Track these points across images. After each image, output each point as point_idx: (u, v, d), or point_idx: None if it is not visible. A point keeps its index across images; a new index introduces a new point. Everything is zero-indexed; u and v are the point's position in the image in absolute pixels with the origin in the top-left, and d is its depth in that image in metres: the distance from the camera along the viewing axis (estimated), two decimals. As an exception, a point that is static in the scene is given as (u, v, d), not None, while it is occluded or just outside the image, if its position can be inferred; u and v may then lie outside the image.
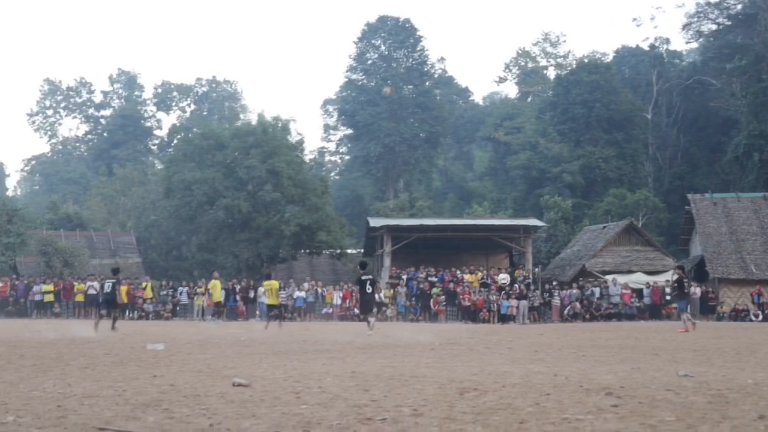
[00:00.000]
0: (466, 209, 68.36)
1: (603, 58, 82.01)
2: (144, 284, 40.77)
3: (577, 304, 39.39)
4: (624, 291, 40.14)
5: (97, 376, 8.93)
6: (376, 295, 26.77)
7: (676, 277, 26.38)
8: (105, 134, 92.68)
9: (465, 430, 5.12)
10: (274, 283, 27.47)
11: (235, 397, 6.89)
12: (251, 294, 40.39)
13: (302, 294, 40.50)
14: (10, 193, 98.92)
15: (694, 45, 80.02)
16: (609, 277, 41.59)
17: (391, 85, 74.52)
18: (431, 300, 39.36)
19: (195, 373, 9.38)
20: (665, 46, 79.04)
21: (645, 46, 78.79)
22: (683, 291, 25.40)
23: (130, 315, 39.39)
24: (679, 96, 72.55)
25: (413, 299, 39.88)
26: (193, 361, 11.28)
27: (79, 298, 39.54)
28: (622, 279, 41.25)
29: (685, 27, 73.70)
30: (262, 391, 7.31)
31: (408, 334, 20.62)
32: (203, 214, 48.44)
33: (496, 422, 5.42)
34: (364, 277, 23.25)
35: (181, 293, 40.76)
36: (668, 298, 39.99)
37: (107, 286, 23.93)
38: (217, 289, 31.71)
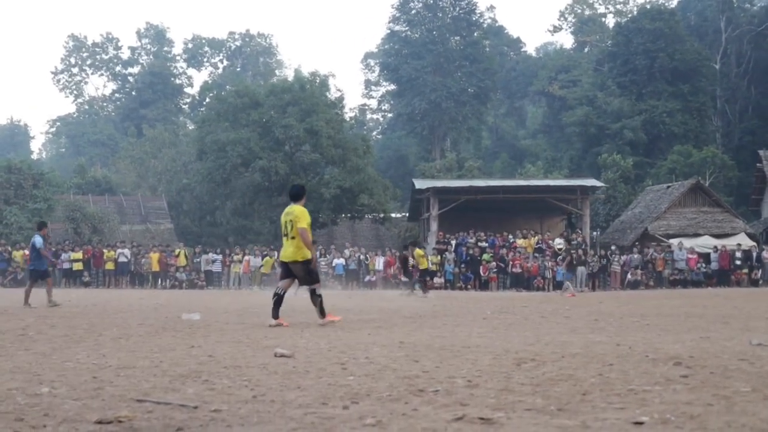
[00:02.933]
0: (518, 169, 68.10)
1: (667, 4, 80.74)
2: (177, 251, 41.24)
3: (639, 271, 39.15)
4: (690, 256, 39.78)
5: (132, 347, 9.06)
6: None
7: (563, 249, 29.26)
8: (133, 93, 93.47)
9: (524, 402, 5.12)
10: (421, 251, 31.23)
11: (277, 368, 6.96)
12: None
13: (342, 261, 40.64)
14: (35, 156, 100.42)
15: (767, -12, 78.39)
16: (674, 241, 41.26)
17: None
18: (481, 266, 39.35)
19: (234, 343, 9.49)
20: (735, -10, 77.48)
21: (713, -10, 77.31)
22: (572, 263, 31.84)
23: (163, 284, 39.92)
24: (749, 44, 71.21)
25: (462, 266, 39.88)
26: (232, 331, 11.41)
27: (110, 266, 40.09)
28: (687, 243, 40.89)
29: (757, -32, 72.27)
30: (305, 362, 7.37)
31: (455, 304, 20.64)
32: (238, 176, 48.80)
33: (558, 394, 5.42)
34: None
35: (214, 261, 41.06)
36: (738, 263, 39.61)
37: None
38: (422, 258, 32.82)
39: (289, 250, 12.65)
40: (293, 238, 12.56)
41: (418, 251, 31.35)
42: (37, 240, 20.01)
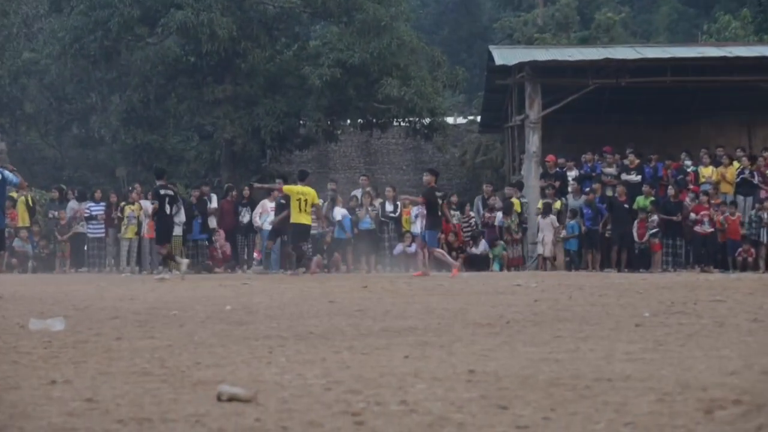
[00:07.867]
0: (701, 25, 67.74)
1: None
2: (15, 196, 41.04)
3: None
4: None
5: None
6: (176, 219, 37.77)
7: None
8: None
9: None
10: (310, 191, 33.10)
11: (224, 423, 6.91)
12: (243, 216, 40.45)
13: (343, 212, 40.39)
14: None
15: None
16: None
17: None
18: (636, 223, 39.10)
19: (135, 376, 9.45)
20: None
21: None
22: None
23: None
24: None
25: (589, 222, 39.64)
26: (129, 353, 11.38)
27: None
28: None
29: None
30: (278, 412, 7.30)
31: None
32: (134, 46, 48.58)
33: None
34: (162, 191, 34.04)
35: (90, 217, 41.06)
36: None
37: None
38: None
39: None
40: None
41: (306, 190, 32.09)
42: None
